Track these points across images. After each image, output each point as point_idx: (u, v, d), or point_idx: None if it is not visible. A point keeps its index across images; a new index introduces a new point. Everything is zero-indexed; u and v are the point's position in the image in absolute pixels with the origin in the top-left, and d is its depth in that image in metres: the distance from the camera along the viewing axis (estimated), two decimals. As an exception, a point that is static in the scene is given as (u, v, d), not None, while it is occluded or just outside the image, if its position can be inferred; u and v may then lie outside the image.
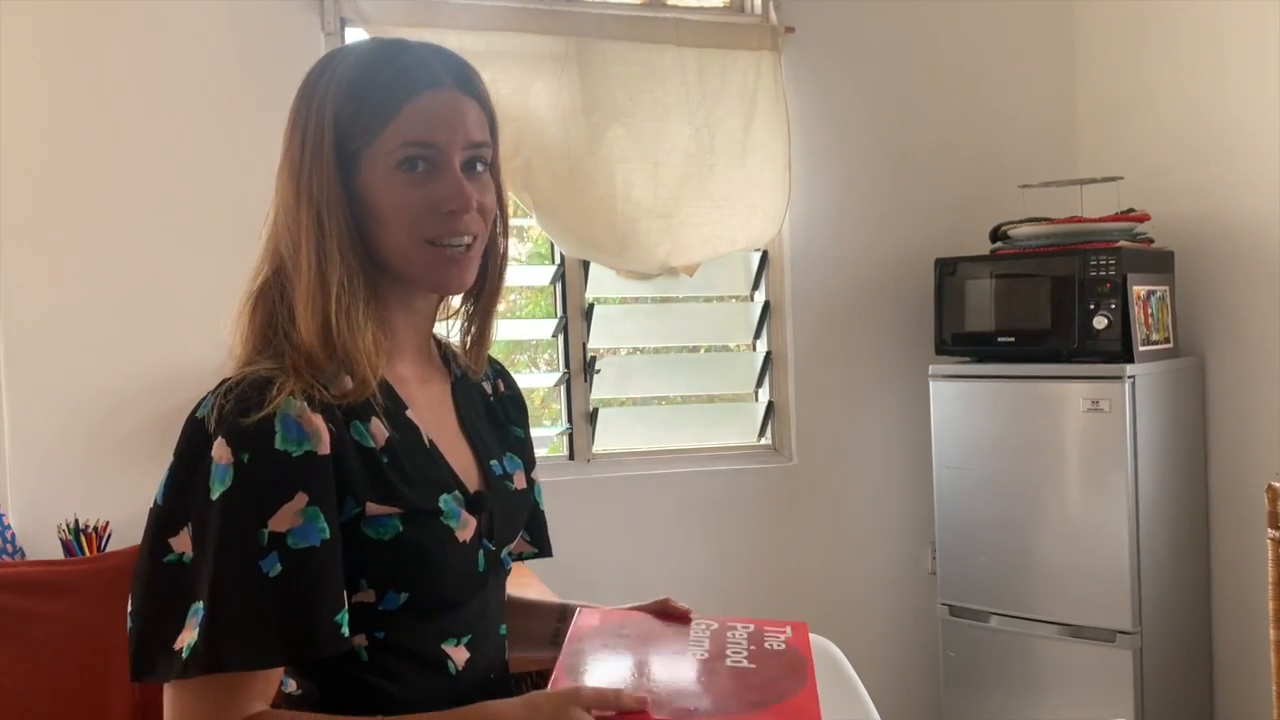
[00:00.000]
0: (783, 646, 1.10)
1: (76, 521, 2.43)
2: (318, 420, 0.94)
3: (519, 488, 1.15)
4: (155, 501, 0.96)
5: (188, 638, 0.89)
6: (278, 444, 0.92)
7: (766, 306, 3.25)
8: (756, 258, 3.25)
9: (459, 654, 1.03)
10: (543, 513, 1.25)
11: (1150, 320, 2.87)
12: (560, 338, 3.09)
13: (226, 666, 0.88)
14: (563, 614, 1.21)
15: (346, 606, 0.93)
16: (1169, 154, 3.14)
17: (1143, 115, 3.24)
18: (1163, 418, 2.87)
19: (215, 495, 0.91)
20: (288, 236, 0.99)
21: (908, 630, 3.32)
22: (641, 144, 2.97)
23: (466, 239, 1.01)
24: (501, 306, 1.14)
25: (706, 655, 1.06)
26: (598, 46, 2.94)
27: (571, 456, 3.09)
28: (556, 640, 1.16)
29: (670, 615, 1.15)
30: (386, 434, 0.99)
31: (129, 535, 2.34)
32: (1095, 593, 2.80)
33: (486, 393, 1.19)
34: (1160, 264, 2.98)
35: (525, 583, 2.58)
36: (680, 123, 3.01)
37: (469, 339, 1.13)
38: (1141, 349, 2.81)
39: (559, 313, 3.09)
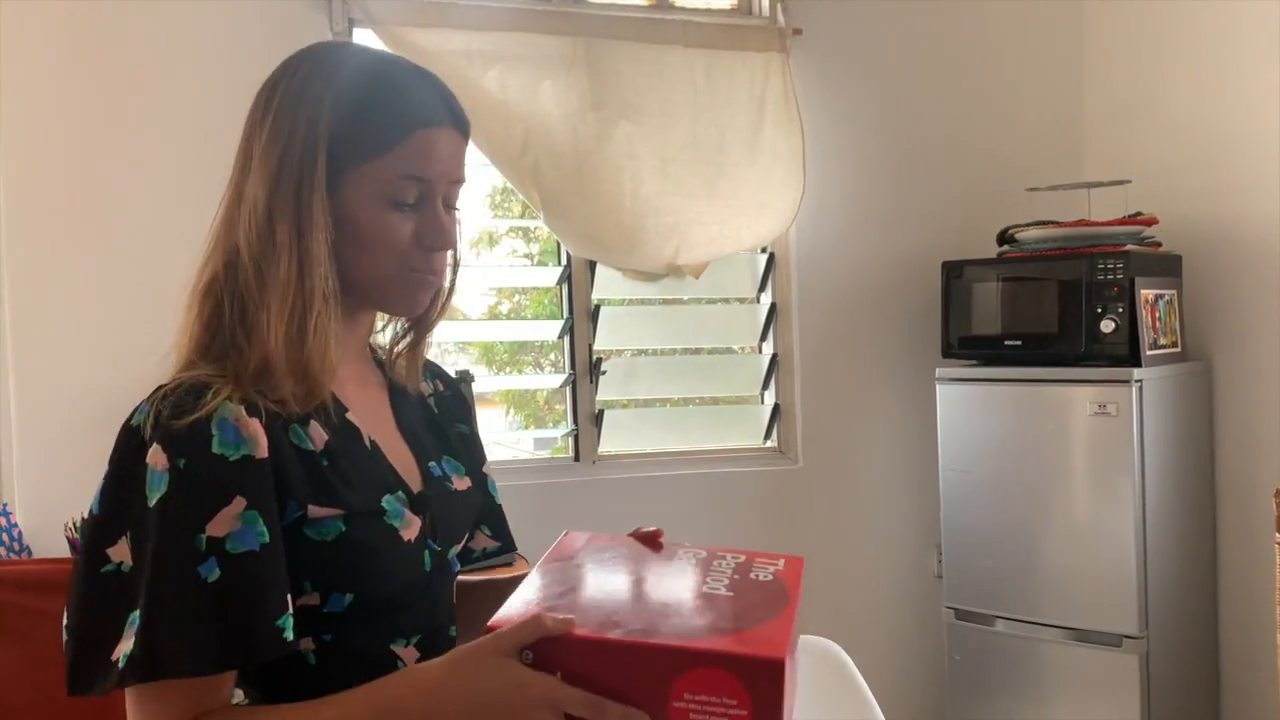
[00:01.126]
0: (770, 578, 1.05)
1: (84, 520, 2.44)
2: (254, 425, 0.93)
3: (459, 489, 1.14)
4: (90, 511, 0.94)
5: (124, 647, 0.88)
6: (215, 448, 0.91)
7: (773, 308, 3.25)
8: (763, 260, 3.25)
9: (408, 654, 1.02)
10: (500, 506, 1.25)
11: (1158, 324, 2.86)
12: (566, 339, 3.09)
13: (165, 673, 0.87)
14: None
15: (290, 610, 0.92)
16: (1177, 157, 3.13)
17: (1151, 118, 3.23)
18: (1170, 422, 2.86)
19: (152, 502, 0.90)
20: (255, 240, 0.97)
21: (913, 634, 3.32)
22: (650, 142, 2.96)
23: (438, 271, 1.05)
24: (472, 315, 1.16)
25: (684, 581, 1.01)
26: (605, 47, 2.94)
27: (577, 458, 3.09)
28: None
29: (648, 539, 1.12)
30: (326, 437, 0.99)
31: (135, 534, 2.35)
32: (1101, 597, 2.79)
33: (425, 393, 1.18)
34: (1168, 268, 2.97)
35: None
36: (688, 122, 3.01)
37: (401, 345, 1.14)
38: (1149, 353, 2.80)
39: (565, 314, 3.09)
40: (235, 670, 0.92)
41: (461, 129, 1.04)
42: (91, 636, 0.91)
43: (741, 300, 3.32)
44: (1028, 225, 3.04)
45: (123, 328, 2.65)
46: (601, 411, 3.09)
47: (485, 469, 1.22)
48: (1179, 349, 2.95)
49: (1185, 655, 2.93)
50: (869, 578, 3.31)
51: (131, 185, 2.66)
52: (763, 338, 3.28)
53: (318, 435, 0.99)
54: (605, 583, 1.00)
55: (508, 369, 3.43)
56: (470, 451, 1.19)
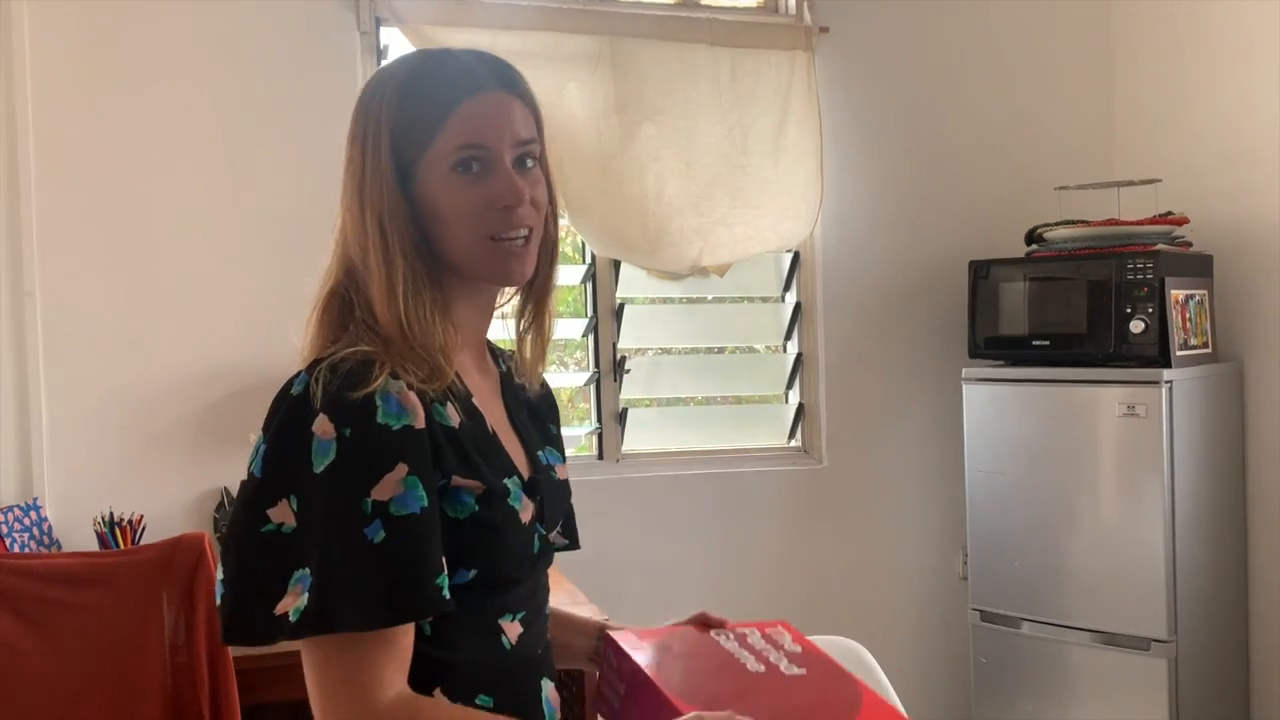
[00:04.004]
0: (798, 648, 1.16)
1: (111, 514, 2.46)
2: (413, 397, 0.99)
3: (560, 478, 1.21)
4: (250, 474, 1.00)
5: (294, 602, 0.94)
6: (379, 418, 0.97)
7: (798, 308, 3.24)
8: (788, 259, 3.24)
9: (513, 629, 1.09)
10: (572, 507, 1.31)
11: (1188, 325, 2.83)
12: (590, 337, 3.09)
13: (338, 628, 0.94)
14: (602, 633, 1.26)
15: (446, 571, 0.99)
16: (1208, 157, 3.10)
17: (1181, 117, 3.20)
18: (1200, 423, 2.83)
19: (319, 468, 0.96)
20: (355, 243, 1.05)
21: (938, 635, 3.30)
22: (674, 144, 2.96)
23: (523, 232, 1.06)
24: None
25: (764, 670, 1.12)
26: (631, 46, 2.94)
27: (601, 456, 3.09)
28: (595, 658, 1.24)
29: (709, 625, 1.22)
30: (459, 418, 1.05)
31: (163, 528, 2.37)
32: (1130, 600, 2.76)
33: (525, 389, 1.24)
34: (1199, 268, 2.94)
35: (556, 581, 2.58)
36: (713, 123, 3.00)
37: (525, 325, 1.18)
38: (1179, 354, 2.77)
39: (589, 312, 3.09)
40: (404, 625, 0.97)
41: (512, 89, 1.08)
42: (252, 591, 0.97)
43: (766, 299, 3.31)
44: (1056, 224, 3.01)
45: (151, 325, 2.67)
46: (625, 410, 3.09)
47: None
48: (1209, 350, 2.92)
49: (1215, 660, 2.89)
50: (893, 579, 3.29)
51: (160, 182, 2.68)
52: (787, 337, 3.27)
53: (454, 414, 1.04)
54: (712, 677, 1.12)
55: (532, 367, 3.43)
56: (561, 451, 1.26)
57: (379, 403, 0.97)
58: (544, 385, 1.27)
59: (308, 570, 0.95)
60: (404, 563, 0.96)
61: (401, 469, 0.96)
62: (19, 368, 2.56)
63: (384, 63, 1.14)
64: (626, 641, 1.17)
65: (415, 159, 1.04)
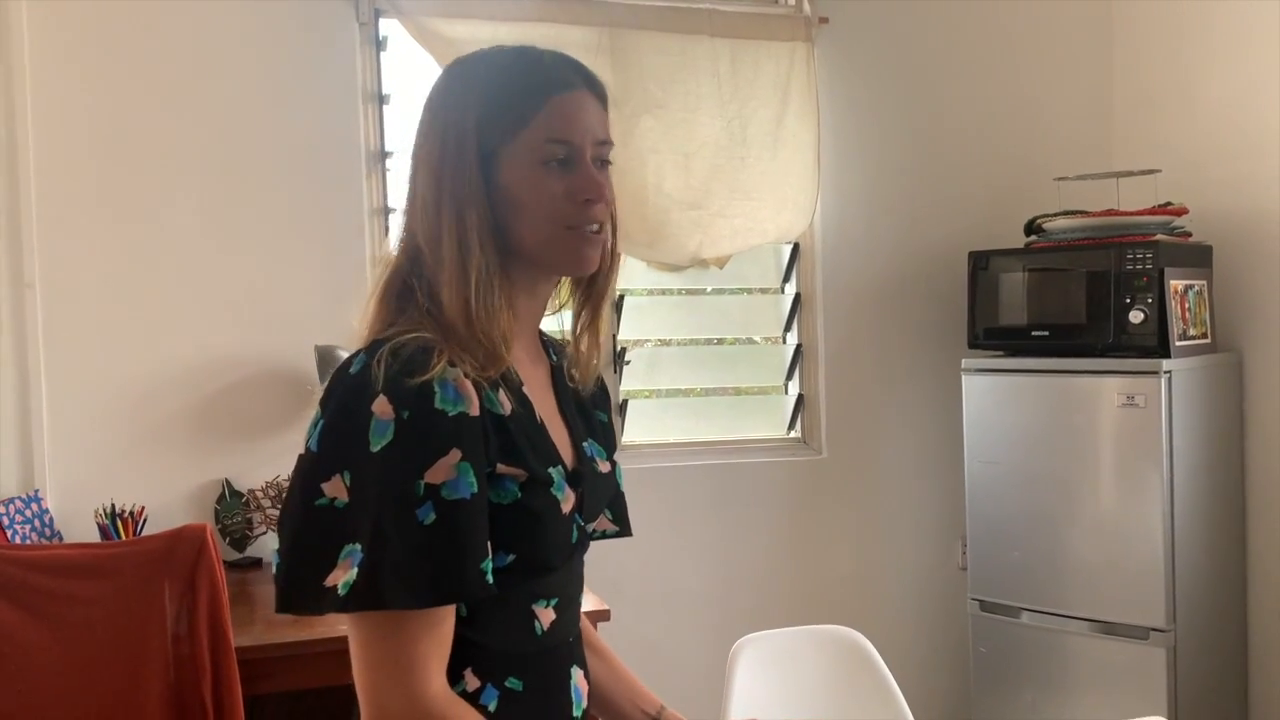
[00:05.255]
0: None
1: (113, 506, 2.47)
2: (469, 386, 1.02)
3: (603, 471, 1.24)
4: (307, 448, 1.03)
5: (343, 576, 0.97)
6: (436, 404, 1.00)
7: (797, 299, 3.24)
8: (787, 250, 3.24)
9: (546, 615, 1.12)
10: (623, 494, 1.34)
11: (1188, 315, 2.83)
12: (590, 329, 3.09)
13: (386, 604, 0.97)
14: (660, 714, 1.30)
15: (490, 556, 1.02)
16: (1208, 147, 3.10)
17: (1181, 107, 3.20)
18: (1199, 414, 2.84)
19: (376, 448, 0.98)
20: (428, 229, 1.08)
21: (938, 625, 3.31)
22: (673, 136, 2.96)
23: (598, 224, 1.11)
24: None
25: None
26: (630, 37, 2.94)
27: (601, 447, 3.09)
28: None
29: None
30: (510, 406, 1.08)
31: (165, 520, 2.37)
32: (1128, 589, 2.77)
33: (573, 377, 1.26)
34: (1198, 258, 2.94)
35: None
36: (712, 115, 3.00)
37: (582, 318, 1.22)
38: (1178, 344, 2.77)
39: (589, 304, 3.09)
40: (449, 606, 1.01)
41: (596, 92, 1.14)
42: (305, 563, 1.00)
43: (765, 291, 3.31)
44: (1055, 215, 3.01)
45: (152, 316, 2.68)
46: (625, 401, 3.09)
47: (615, 457, 1.30)
48: (1209, 340, 2.92)
49: (1213, 648, 2.90)
50: (893, 569, 3.30)
51: (161, 174, 2.68)
52: (786, 328, 3.27)
53: (506, 402, 1.07)
54: None
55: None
56: (608, 439, 1.29)
57: (437, 389, 1.00)
58: (598, 379, 1.31)
59: (358, 546, 0.98)
60: (452, 546, 0.99)
61: (455, 454, 0.99)
62: (20, 360, 2.56)
63: (463, 56, 1.16)
64: None
65: (499, 148, 1.07)
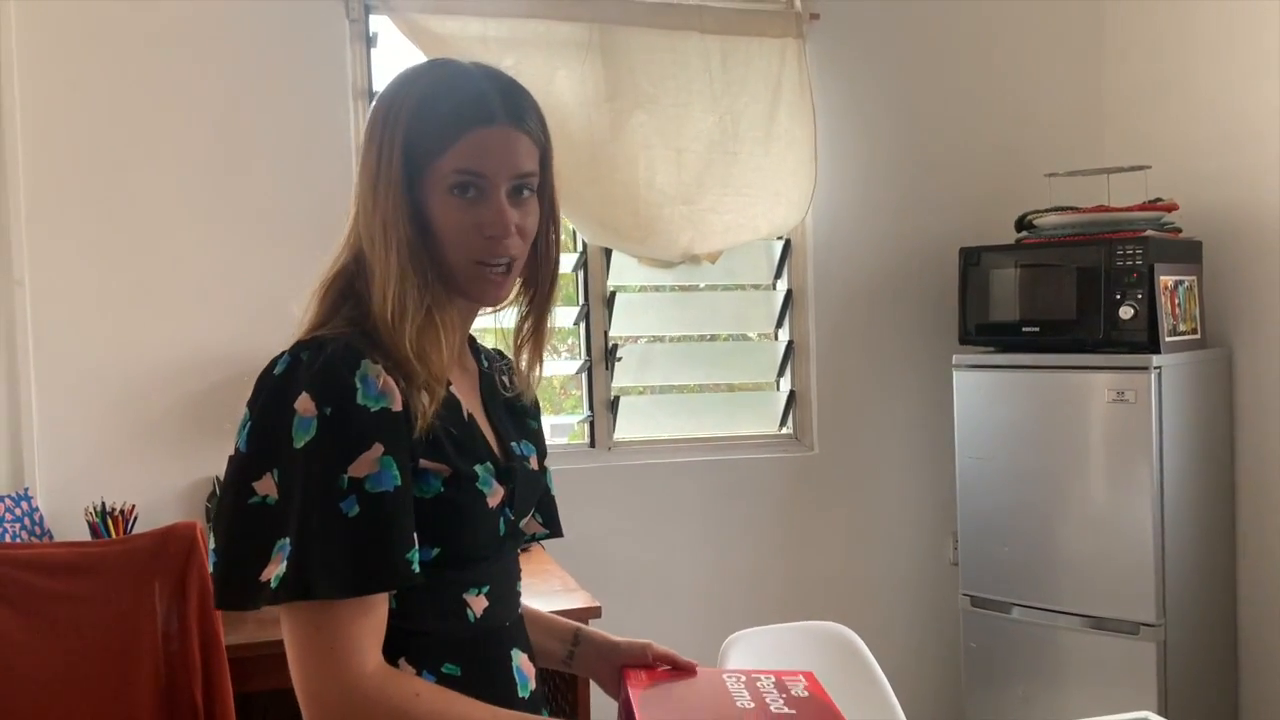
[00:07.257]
0: (806, 694, 1.20)
1: (103, 504, 2.46)
2: (391, 381, 1.04)
3: (534, 468, 1.26)
4: (237, 449, 1.06)
5: (275, 570, 1.00)
6: (358, 400, 1.02)
7: (789, 295, 3.24)
8: (779, 246, 3.24)
9: (478, 602, 1.14)
10: (553, 497, 1.36)
11: (1177, 310, 2.84)
12: (582, 325, 3.09)
13: (314, 594, 0.99)
14: (576, 638, 1.34)
15: (417, 546, 1.04)
16: (1197, 143, 3.10)
17: (1170, 103, 3.20)
18: (1189, 409, 2.85)
19: (300, 444, 1.01)
20: (365, 234, 1.11)
21: (929, 621, 3.31)
22: (664, 131, 2.96)
23: (505, 260, 1.12)
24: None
25: (752, 706, 1.16)
26: (621, 33, 2.94)
27: (592, 444, 3.09)
28: (569, 661, 1.34)
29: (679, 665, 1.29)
30: (434, 405, 1.09)
31: (155, 518, 2.37)
32: (1119, 584, 2.78)
33: (506, 385, 1.28)
34: (1188, 254, 2.95)
35: (547, 570, 2.59)
36: (703, 110, 3.00)
37: (525, 328, 1.23)
38: (1168, 339, 2.78)
39: (581, 300, 3.09)
40: (376, 594, 1.02)
41: (521, 125, 1.13)
42: (240, 560, 1.03)
43: (757, 287, 3.31)
44: (1046, 211, 3.02)
45: (142, 314, 2.67)
46: (617, 398, 3.09)
47: (545, 462, 1.32)
48: (1199, 336, 2.93)
49: (1203, 643, 2.91)
50: (884, 565, 3.30)
51: (150, 171, 2.67)
52: (778, 324, 3.27)
53: (429, 401, 1.09)
54: (684, 707, 1.18)
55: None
56: (538, 444, 1.30)
57: (359, 385, 1.02)
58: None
59: (288, 540, 1.00)
60: (377, 536, 1.01)
61: (378, 449, 1.02)
62: (9, 357, 2.56)
63: (412, 66, 1.18)
64: (634, 678, 1.24)
65: (422, 169, 1.09)
